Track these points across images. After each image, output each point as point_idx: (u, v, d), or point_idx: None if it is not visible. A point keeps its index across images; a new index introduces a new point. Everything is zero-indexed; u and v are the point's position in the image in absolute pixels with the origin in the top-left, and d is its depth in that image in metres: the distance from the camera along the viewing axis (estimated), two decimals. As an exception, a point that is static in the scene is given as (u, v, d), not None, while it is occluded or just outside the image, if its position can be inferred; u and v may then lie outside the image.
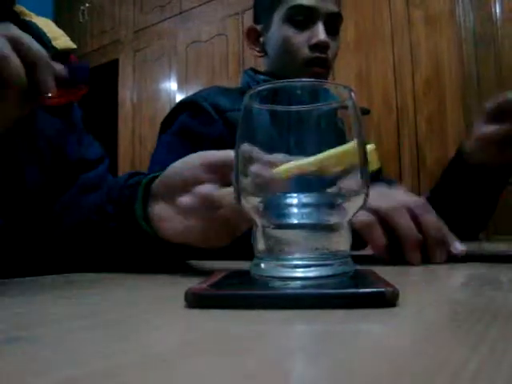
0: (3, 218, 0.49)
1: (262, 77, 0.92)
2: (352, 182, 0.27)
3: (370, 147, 0.26)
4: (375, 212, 0.45)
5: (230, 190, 0.37)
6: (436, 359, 0.14)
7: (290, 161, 0.26)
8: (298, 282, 0.25)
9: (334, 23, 0.86)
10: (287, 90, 0.28)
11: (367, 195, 0.28)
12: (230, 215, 0.37)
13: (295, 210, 0.27)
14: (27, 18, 0.59)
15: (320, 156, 0.26)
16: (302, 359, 0.16)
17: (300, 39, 0.85)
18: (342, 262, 0.26)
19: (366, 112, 0.97)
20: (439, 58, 2.01)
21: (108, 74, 3.11)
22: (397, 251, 0.46)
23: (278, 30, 0.87)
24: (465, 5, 1.95)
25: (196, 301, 0.23)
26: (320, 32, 0.83)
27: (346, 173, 0.27)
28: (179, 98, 2.68)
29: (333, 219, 0.27)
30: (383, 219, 0.45)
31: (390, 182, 0.83)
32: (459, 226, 0.49)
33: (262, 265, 0.27)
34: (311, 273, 0.25)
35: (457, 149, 0.82)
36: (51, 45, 0.57)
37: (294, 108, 0.27)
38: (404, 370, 0.13)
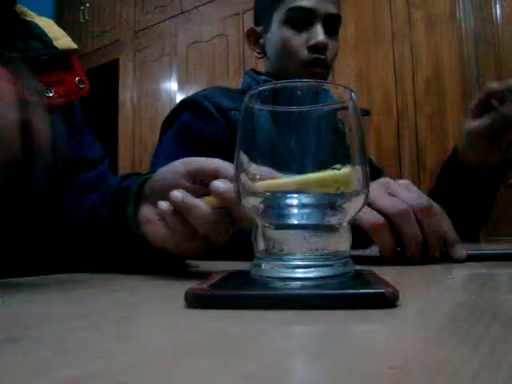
0: (3, 218, 0.49)
1: (262, 77, 0.92)
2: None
3: (345, 171, 0.26)
4: (382, 213, 0.45)
5: (204, 201, 0.36)
6: (436, 359, 0.14)
7: (273, 175, 0.26)
8: (298, 283, 0.25)
9: (332, 24, 0.87)
10: (288, 90, 0.28)
11: (367, 195, 0.28)
12: (200, 227, 0.36)
13: (295, 211, 0.27)
14: (28, 18, 0.59)
15: (303, 177, 0.26)
16: (302, 359, 0.16)
17: (299, 40, 0.85)
18: (341, 262, 0.26)
19: (366, 113, 0.97)
20: (439, 58, 2.01)
21: (108, 74, 3.12)
22: (399, 250, 0.46)
23: (277, 31, 0.87)
24: (465, 5, 1.95)
25: (196, 301, 0.23)
26: (319, 33, 0.83)
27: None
28: (180, 98, 2.68)
29: (333, 220, 0.27)
30: (390, 221, 0.45)
31: None
32: (457, 226, 0.49)
33: (262, 265, 0.27)
34: (311, 273, 0.25)
35: (452, 149, 0.83)
36: (52, 45, 0.58)
37: (294, 108, 0.27)
38: (404, 369, 0.13)
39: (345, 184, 0.26)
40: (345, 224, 0.27)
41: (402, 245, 0.46)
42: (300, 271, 0.25)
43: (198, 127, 0.81)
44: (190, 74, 2.82)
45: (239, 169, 0.28)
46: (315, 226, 0.27)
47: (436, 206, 0.47)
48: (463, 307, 0.24)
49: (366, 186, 0.27)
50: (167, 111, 0.90)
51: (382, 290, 0.23)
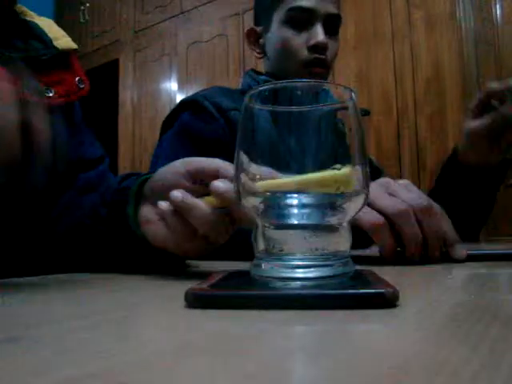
0: (3, 218, 0.49)
1: (262, 77, 0.92)
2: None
3: (345, 171, 0.26)
4: (382, 213, 0.45)
5: (204, 201, 0.36)
6: (436, 359, 0.14)
7: (273, 175, 0.26)
8: (298, 283, 0.25)
9: (332, 24, 0.87)
10: (288, 90, 0.28)
11: (367, 195, 0.28)
12: (200, 227, 0.36)
13: (295, 211, 0.27)
14: (28, 18, 0.59)
15: (303, 177, 0.26)
16: (302, 359, 0.16)
17: (299, 40, 0.85)
18: (341, 262, 0.26)
19: (365, 113, 0.97)
20: (439, 58, 2.01)
21: (108, 74, 3.12)
22: (399, 250, 0.47)
23: (277, 31, 0.87)
24: (465, 5, 1.95)
25: (196, 301, 0.23)
26: (318, 33, 0.83)
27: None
28: (180, 98, 2.68)
29: (333, 220, 0.27)
30: (390, 221, 0.45)
31: None
32: (457, 226, 0.49)
33: (262, 265, 0.27)
34: (311, 273, 0.25)
35: (452, 149, 0.83)
36: (52, 45, 0.58)
37: (294, 108, 0.27)
38: (404, 369, 0.13)
39: (345, 184, 0.26)
40: (345, 224, 0.27)
41: (401, 245, 0.46)
42: (300, 271, 0.25)
43: (198, 127, 0.81)
44: (190, 74, 2.82)
45: (239, 169, 0.28)
46: (315, 226, 0.27)
47: (436, 206, 0.47)
48: (463, 307, 0.24)
49: (366, 186, 0.27)
50: (167, 111, 0.90)
51: (382, 290, 0.23)
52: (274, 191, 0.27)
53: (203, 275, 0.31)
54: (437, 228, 0.46)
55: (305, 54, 0.84)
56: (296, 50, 0.85)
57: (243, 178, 0.27)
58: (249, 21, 2.08)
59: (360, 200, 0.27)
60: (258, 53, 0.95)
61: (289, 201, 0.27)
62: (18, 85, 0.31)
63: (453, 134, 1.93)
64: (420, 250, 0.46)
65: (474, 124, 0.76)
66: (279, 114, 0.27)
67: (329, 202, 0.27)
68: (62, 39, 0.59)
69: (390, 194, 0.47)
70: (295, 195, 0.27)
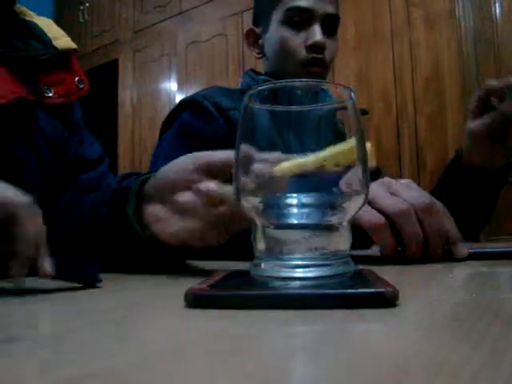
0: None
1: (262, 77, 0.92)
2: (352, 181, 0.27)
3: (350, 141, 0.27)
4: (383, 212, 0.45)
5: (230, 187, 0.37)
6: (436, 359, 0.14)
7: (290, 159, 0.26)
8: (298, 282, 0.25)
9: (331, 24, 0.87)
10: (287, 90, 0.28)
11: (367, 195, 0.28)
12: (232, 212, 0.37)
13: (295, 210, 0.27)
14: (28, 18, 0.59)
15: (321, 154, 0.26)
16: (301, 359, 0.16)
17: (297, 40, 0.85)
18: (341, 262, 0.26)
19: (364, 113, 0.97)
20: (439, 57, 2.01)
21: (108, 74, 3.11)
22: (399, 250, 0.46)
23: (275, 31, 0.87)
24: (465, 4, 1.95)
25: (196, 301, 0.23)
26: (316, 33, 0.83)
27: (345, 172, 0.27)
28: (179, 98, 2.68)
29: (333, 219, 0.27)
30: (391, 221, 0.45)
31: None
32: (458, 226, 0.49)
33: (262, 265, 0.27)
34: (311, 273, 0.25)
35: (455, 151, 0.83)
36: (52, 45, 0.58)
37: (293, 108, 0.27)
38: (404, 370, 0.13)
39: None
40: (345, 223, 0.27)
41: (402, 244, 0.46)
42: (300, 271, 0.25)
43: (197, 127, 0.81)
44: (190, 74, 2.82)
45: (239, 168, 0.28)
46: (315, 226, 0.27)
47: (438, 204, 0.47)
48: (464, 306, 0.24)
49: (366, 186, 0.27)
50: (167, 111, 0.90)
51: (382, 290, 0.23)
52: (294, 173, 0.26)
53: (203, 275, 0.31)
54: (439, 226, 0.46)
55: (303, 53, 0.85)
56: (294, 50, 0.85)
57: (243, 177, 0.27)
58: (248, 21, 2.08)
59: (360, 200, 0.27)
60: (258, 53, 0.95)
61: (288, 200, 0.27)
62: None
63: (452, 134, 1.93)
64: (421, 249, 0.46)
65: (475, 124, 0.75)
66: (278, 113, 0.27)
67: (329, 202, 0.27)
68: (61, 39, 0.59)
69: (391, 194, 0.46)
70: (295, 195, 0.27)
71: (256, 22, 0.96)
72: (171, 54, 2.92)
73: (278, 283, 0.26)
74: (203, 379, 0.13)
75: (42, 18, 0.61)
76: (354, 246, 0.29)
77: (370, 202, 0.45)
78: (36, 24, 0.58)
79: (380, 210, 0.45)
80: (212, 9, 2.74)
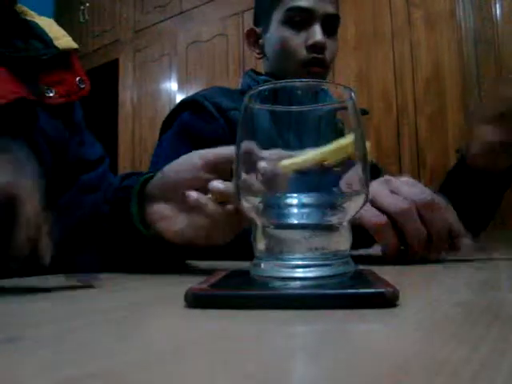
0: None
1: (262, 78, 0.92)
2: (352, 181, 0.27)
3: (351, 136, 0.27)
4: (384, 211, 0.45)
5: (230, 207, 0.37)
6: (436, 359, 0.14)
7: (292, 156, 0.26)
8: (298, 283, 0.25)
9: (331, 24, 0.87)
10: (287, 90, 0.28)
11: (368, 195, 0.28)
12: (238, 210, 0.37)
13: (295, 210, 0.27)
14: (29, 18, 0.59)
15: (321, 150, 0.26)
16: (301, 359, 0.16)
17: (297, 40, 0.85)
18: (341, 262, 0.26)
19: (364, 113, 0.97)
20: (439, 57, 2.00)
21: (108, 74, 3.11)
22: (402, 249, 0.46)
23: (276, 31, 0.88)
24: (465, 5, 1.95)
25: (196, 301, 0.23)
26: (317, 33, 0.83)
27: (346, 169, 0.27)
28: (179, 98, 2.68)
29: (333, 219, 0.27)
30: (393, 219, 0.45)
31: None
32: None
33: (262, 265, 0.27)
34: (311, 273, 0.25)
35: (456, 151, 0.82)
36: (53, 45, 0.58)
37: (294, 108, 0.27)
38: (404, 370, 0.13)
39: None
40: (345, 223, 0.27)
41: (405, 243, 0.46)
42: (300, 271, 0.25)
43: (198, 127, 0.81)
44: (190, 74, 2.82)
45: (239, 167, 0.28)
46: (315, 226, 0.27)
47: (440, 200, 0.47)
48: (464, 306, 0.24)
49: (366, 186, 0.27)
50: (167, 111, 0.90)
51: (382, 290, 0.23)
52: (297, 169, 0.27)
53: (203, 275, 0.31)
54: (441, 222, 0.46)
55: (303, 53, 0.85)
56: (295, 50, 0.85)
57: (243, 175, 0.27)
58: (249, 20, 2.08)
59: (360, 200, 0.27)
60: (258, 53, 0.95)
61: (289, 200, 0.27)
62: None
63: (453, 134, 1.93)
64: (424, 247, 0.45)
65: (493, 136, 0.73)
66: (279, 113, 0.27)
67: (329, 202, 0.27)
68: (62, 39, 0.59)
69: (392, 192, 0.46)
70: (295, 195, 0.27)
71: (256, 22, 0.96)
72: (172, 54, 2.92)
73: (278, 283, 0.26)
74: (203, 379, 0.13)
75: (42, 17, 0.61)
76: (355, 246, 0.29)
77: (371, 201, 0.45)
78: (37, 24, 0.58)
79: (381, 209, 0.45)
80: (212, 9, 2.74)
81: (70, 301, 0.29)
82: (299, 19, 0.85)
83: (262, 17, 0.93)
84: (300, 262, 0.26)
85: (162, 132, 0.88)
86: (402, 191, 0.46)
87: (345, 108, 0.28)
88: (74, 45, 0.61)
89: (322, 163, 0.26)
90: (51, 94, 0.56)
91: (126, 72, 3.13)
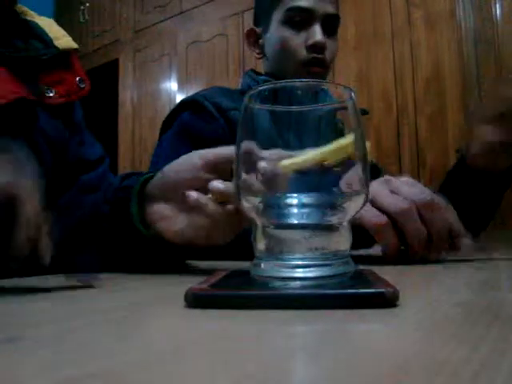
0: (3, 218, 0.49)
1: (262, 78, 0.92)
2: (352, 181, 0.27)
3: (350, 136, 0.27)
4: (384, 211, 0.45)
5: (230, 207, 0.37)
6: (436, 359, 0.14)
7: (291, 156, 0.26)
8: (298, 283, 0.25)
9: (331, 25, 0.87)
10: (287, 90, 0.28)
11: (368, 195, 0.28)
12: (238, 210, 0.37)
13: (295, 210, 0.27)
14: (29, 18, 0.59)
15: (321, 150, 0.26)
16: (301, 359, 0.16)
17: (297, 40, 0.85)
18: (342, 262, 0.26)
19: (364, 113, 0.97)
20: (439, 58, 2.00)
21: (108, 74, 3.11)
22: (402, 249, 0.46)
23: (276, 31, 0.88)
24: (465, 5, 1.95)
25: (196, 301, 0.23)
26: (317, 33, 0.83)
27: (346, 169, 0.27)
28: (179, 98, 2.68)
29: (333, 219, 0.27)
30: (393, 220, 0.45)
31: None
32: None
33: (262, 265, 0.27)
34: (311, 273, 0.25)
35: (456, 151, 0.82)
36: (53, 45, 0.58)
37: (294, 108, 0.27)
38: (404, 369, 0.13)
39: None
40: (345, 223, 0.27)
41: (405, 243, 0.46)
42: (300, 271, 0.25)
43: (197, 127, 0.81)
44: (190, 74, 2.82)
45: (239, 167, 0.28)
46: (315, 226, 0.27)
47: (440, 200, 0.47)
48: (464, 307, 0.24)
49: (366, 186, 0.27)
50: (167, 111, 0.90)
51: (382, 290, 0.23)
52: (297, 169, 0.27)
53: (203, 275, 0.31)
54: (442, 222, 0.46)
55: (303, 53, 0.85)
56: (295, 50, 0.85)
57: (243, 175, 0.27)
58: (249, 20, 2.08)
59: (360, 200, 0.27)
60: (258, 53, 0.95)
61: (289, 200, 0.27)
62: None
63: (453, 134, 1.93)
64: (424, 247, 0.45)
65: (494, 136, 0.73)
66: (279, 113, 0.27)
67: (329, 202, 0.27)
68: (62, 39, 0.59)
69: (392, 192, 0.46)
70: (295, 195, 0.27)
71: (256, 22, 0.96)
72: (172, 54, 2.92)
73: (278, 283, 0.26)
74: (203, 379, 0.13)
75: (42, 17, 0.61)
76: (355, 246, 0.29)
77: (371, 201, 0.45)
78: (37, 24, 0.58)
79: (381, 209, 0.45)
80: (212, 9, 2.73)
81: (69, 301, 0.29)
82: (299, 19, 0.85)
83: (261, 17, 0.93)
84: (300, 262, 0.26)
85: (161, 132, 0.88)
86: (401, 191, 0.46)
87: (345, 108, 0.28)
88: (74, 45, 0.61)
89: (322, 163, 0.26)
90: (51, 94, 0.56)
91: (126, 72, 3.13)
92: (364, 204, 0.28)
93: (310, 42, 0.84)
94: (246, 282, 0.28)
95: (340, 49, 0.92)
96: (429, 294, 0.29)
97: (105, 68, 3.17)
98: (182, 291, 0.24)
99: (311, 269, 0.25)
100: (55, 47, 0.57)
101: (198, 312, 0.23)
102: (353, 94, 0.28)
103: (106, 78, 3.07)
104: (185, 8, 2.87)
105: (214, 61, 2.71)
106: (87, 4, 3.27)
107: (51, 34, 0.58)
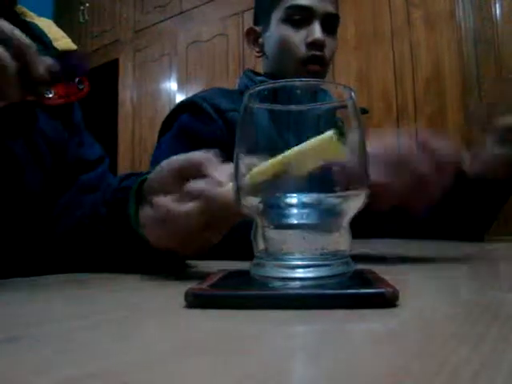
0: (3, 218, 0.49)
1: (259, 78, 0.92)
2: (352, 181, 0.27)
3: (329, 133, 0.25)
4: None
5: (190, 205, 0.36)
6: (436, 359, 0.14)
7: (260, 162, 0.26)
8: (298, 283, 0.25)
9: (331, 23, 0.87)
10: (287, 89, 0.28)
11: (367, 195, 0.28)
12: (214, 213, 0.36)
13: (295, 211, 0.27)
14: (28, 19, 0.59)
15: (287, 154, 0.26)
16: (301, 359, 0.16)
17: (297, 38, 0.85)
18: (341, 262, 0.26)
19: (364, 112, 0.97)
20: (439, 57, 2.00)
21: (108, 74, 3.11)
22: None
23: (275, 29, 0.88)
24: (465, 5, 1.95)
25: (196, 301, 0.23)
26: (316, 31, 0.84)
27: (346, 168, 0.27)
28: (179, 98, 2.68)
29: (332, 219, 0.27)
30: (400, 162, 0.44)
31: None
32: (462, 228, 0.49)
33: (262, 265, 0.27)
34: (311, 273, 0.25)
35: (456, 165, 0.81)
36: (52, 46, 0.58)
37: (293, 107, 0.27)
38: (404, 369, 0.13)
39: (333, 149, 0.26)
40: (344, 224, 0.27)
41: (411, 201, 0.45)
42: (300, 271, 0.25)
43: (196, 128, 0.81)
44: (190, 74, 2.82)
45: (238, 169, 0.28)
46: (315, 226, 0.27)
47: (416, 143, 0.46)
48: (464, 306, 0.24)
49: (366, 186, 0.27)
50: (167, 111, 0.90)
51: (382, 290, 0.23)
52: (265, 180, 0.26)
53: (203, 275, 0.31)
54: (440, 150, 0.46)
55: (303, 51, 0.85)
56: (295, 47, 0.85)
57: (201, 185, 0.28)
58: (249, 20, 2.08)
59: (360, 199, 0.27)
60: (257, 52, 0.95)
61: (288, 200, 0.27)
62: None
63: (453, 134, 1.93)
64: (434, 177, 0.45)
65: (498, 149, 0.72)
66: (278, 112, 0.27)
67: (329, 202, 0.27)
68: (61, 40, 0.59)
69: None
70: (295, 195, 0.27)
71: (256, 21, 0.96)
72: (172, 54, 2.92)
73: (277, 283, 0.26)
74: (204, 379, 0.13)
75: (42, 18, 0.61)
76: (356, 235, 0.28)
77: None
78: (36, 25, 0.58)
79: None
80: (213, 9, 2.74)
81: (70, 301, 0.29)
82: (299, 17, 0.85)
83: (261, 16, 0.93)
84: (300, 262, 0.26)
85: (160, 134, 0.88)
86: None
87: (344, 107, 0.28)
88: (74, 46, 0.61)
89: (299, 164, 0.26)
90: (50, 95, 0.56)
91: (126, 72, 3.13)
92: (364, 204, 0.28)
93: (310, 39, 0.84)
94: (245, 281, 0.28)
95: (340, 48, 0.93)
96: (429, 294, 0.29)
97: (105, 68, 3.17)
98: (182, 291, 0.24)
99: (311, 269, 0.25)
100: (54, 48, 0.57)
101: (197, 312, 0.23)
102: (353, 94, 0.28)
103: (105, 77, 3.07)
104: (185, 8, 2.87)
105: (214, 61, 2.71)
106: (87, 4, 3.27)
107: (50, 36, 0.58)
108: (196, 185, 0.36)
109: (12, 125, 0.52)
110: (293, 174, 0.26)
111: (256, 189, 0.27)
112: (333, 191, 0.26)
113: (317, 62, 0.86)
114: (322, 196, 0.27)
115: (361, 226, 0.41)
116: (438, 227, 0.79)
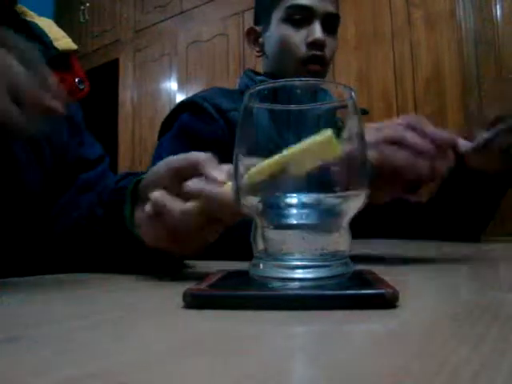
0: (2, 218, 0.49)
1: (259, 78, 0.92)
2: (352, 181, 0.27)
3: (326, 132, 0.25)
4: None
5: (189, 205, 0.36)
6: (436, 359, 0.14)
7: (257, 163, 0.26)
8: (297, 283, 0.25)
9: (331, 23, 0.87)
10: (287, 89, 0.28)
11: (367, 196, 0.28)
12: (179, 227, 0.36)
13: (295, 211, 0.27)
14: (28, 19, 0.59)
15: (285, 153, 0.26)
16: (301, 359, 0.16)
17: (297, 38, 0.85)
18: (341, 262, 0.26)
19: (364, 112, 0.97)
20: (439, 58, 2.01)
21: (108, 74, 3.11)
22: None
23: (276, 29, 0.88)
24: (465, 5, 1.95)
25: (194, 301, 0.23)
26: (317, 30, 0.84)
27: (345, 168, 0.27)
28: (180, 97, 2.68)
29: (332, 220, 0.27)
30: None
31: None
32: (459, 226, 0.49)
33: (261, 265, 0.27)
34: (310, 274, 0.25)
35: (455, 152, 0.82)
36: (52, 46, 0.57)
37: (293, 107, 0.27)
38: (404, 369, 0.13)
39: (331, 149, 0.26)
40: (344, 224, 0.27)
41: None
42: (299, 271, 0.25)
43: (197, 128, 0.81)
44: (190, 74, 2.82)
45: (238, 169, 0.28)
46: (314, 226, 0.27)
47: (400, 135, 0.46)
48: (464, 307, 0.24)
49: (366, 186, 0.27)
50: (167, 111, 0.90)
51: (382, 291, 0.22)
52: (263, 180, 0.26)
53: (201, 275, 0.31)
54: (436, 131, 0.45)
55: (303, 50, 0.85)
56: (295, 47, 0.85)
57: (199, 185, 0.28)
58: (249, 20, 2.08)
59: (360, 199, 0.27)
60: (258, 51, 0.95)
61: (288, 200, 0.27)
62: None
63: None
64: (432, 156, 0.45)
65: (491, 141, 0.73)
66: (278, 112, 0.27)
67: (328, 202, 0.27)
68: (62, 40, 0.59)
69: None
70: (294, 195, 0.27)
71: (257, 21, 0.96)
72: (172, 54, 2.91)
73: (277, 284, 0.26)
74: (203, 379, 0.13)
75: (42, 18, 0.61)
76: (356, 235, 0.28)
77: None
78: (37, 25, 0.58)
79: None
80: (213, 8, 2.73)
81: (69, 301, 0.29)
82: (299, 17, 0.85)
83: (262, 15, 0.93)
84: (299, 263, 0.26)
85: (161, 133, 0.88)
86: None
87: (344, 106, 0.28)
88: (74, 46, 0.61)
89: (297, 164, 0.26)
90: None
91: (126, 72, 3.13)
92: (364, 204, 0.28)
93: (310, 39, 0.84)
94: (244, 282, 0.28)
95: (340, 48, 0.93)
96: (429, 295, 0.29)
97: (105, 68, 3.17)
98: (180, 291, 0.24)
99: (310, 269, 0.25)
100: (55, 48, 0.57)
101: (196, 312, 0.23)
102: (353, 94, 0.28)
103: (106, 78, 3.07)
104: (185, 8, 2.87)
105: (215, 61, 2.71)
106: (87, 4, 3.27)
107: (51, 35, 0.58)
108: (195, 184, 0.36)
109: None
110: (291, 174, 0.26)
111: (254, 188, 0.27)
112: (332, 191, 0.26)
113: (317, 62, 0.86)
114: (321, 196, 0.27)
115: (361, 226, 0.42)
116: (436, 227, 0.79)
